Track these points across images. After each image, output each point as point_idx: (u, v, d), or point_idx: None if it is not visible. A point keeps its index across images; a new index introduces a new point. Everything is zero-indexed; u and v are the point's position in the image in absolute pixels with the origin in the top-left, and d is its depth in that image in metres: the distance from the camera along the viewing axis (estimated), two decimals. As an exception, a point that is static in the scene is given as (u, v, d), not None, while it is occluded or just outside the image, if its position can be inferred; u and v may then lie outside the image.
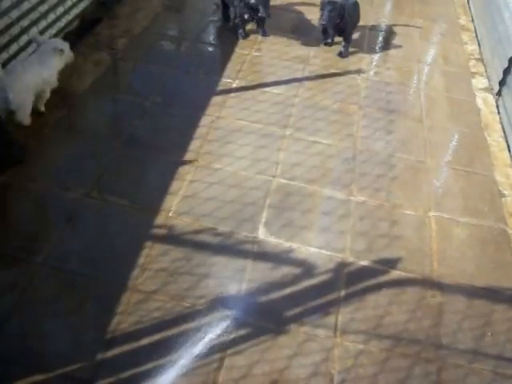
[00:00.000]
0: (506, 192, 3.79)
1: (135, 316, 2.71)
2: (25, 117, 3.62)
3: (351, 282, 3.04)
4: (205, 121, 4.08)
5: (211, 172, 3.63)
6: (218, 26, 5.43)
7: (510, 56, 4.50)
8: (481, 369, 2.71)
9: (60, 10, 4.51)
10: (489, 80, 5.01)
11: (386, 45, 5.48)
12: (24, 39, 4.07)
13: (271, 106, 4.33)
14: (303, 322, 2.80)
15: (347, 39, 5.10)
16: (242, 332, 2.70)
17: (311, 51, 5.13)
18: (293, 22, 5.60)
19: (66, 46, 3.91)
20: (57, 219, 3.18)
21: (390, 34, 5.69)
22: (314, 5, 5.57)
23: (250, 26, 5.28)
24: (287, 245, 3.19)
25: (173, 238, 3.15)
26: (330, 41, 5.24)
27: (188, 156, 3.73)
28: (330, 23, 4.86)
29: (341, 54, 5.13)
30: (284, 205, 3.46)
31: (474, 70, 5.20)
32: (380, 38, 5.59)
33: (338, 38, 5.17)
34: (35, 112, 3.76)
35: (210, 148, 3.83)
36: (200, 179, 3.56)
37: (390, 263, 3.17)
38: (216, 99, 4.33)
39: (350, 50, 5.15)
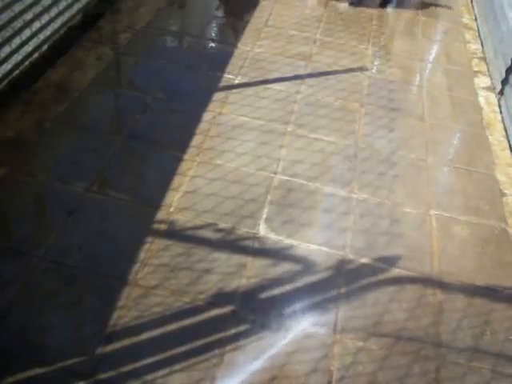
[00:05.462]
0: (507, 191, 3.79)
1: (135, 311, 2.71)
2: None
3: (351, 279, 3.04)
4: (207, 117, 4.08)
5: (212, 168, 3.63)
6: (220, 22, 5.43)
7: (512, 55, 4.50)
8: (480, 367, 2.72)
9: (63, 3, 4.50)
10: (491, 79, 5.00)
11: (389, 43, 5.47)
12: (27, 33, 4.06)
13: (273, 102, 4.33)
14: (303, 319, 2.80)
15: None
16: (242, 328, 2.71)
17: (314, 48, 5.12)
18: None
19: None
20: (57, 213, 3.18)
21: (392, 31, 5.68)
22: None
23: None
24: (288, 241, 3.20)
25: (173, 234, 3.15)
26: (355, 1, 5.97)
27: (189, 152, 3.73)
28: None
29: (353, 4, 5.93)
30: (285, 201, 3.47)
31: (476, 69, 5.19)
32: (383, 36, 5.57)
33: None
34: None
35: (212, 144, 3.83)
36: (201, 175, 3.56)
37: (391, 261, 3.18)
38: (218, 95, 4.32)
39: (353, 49, 5.14)
